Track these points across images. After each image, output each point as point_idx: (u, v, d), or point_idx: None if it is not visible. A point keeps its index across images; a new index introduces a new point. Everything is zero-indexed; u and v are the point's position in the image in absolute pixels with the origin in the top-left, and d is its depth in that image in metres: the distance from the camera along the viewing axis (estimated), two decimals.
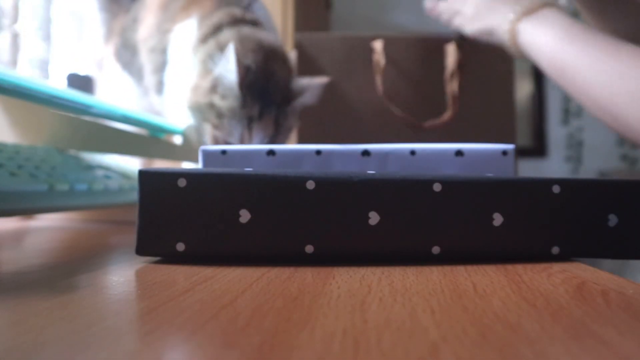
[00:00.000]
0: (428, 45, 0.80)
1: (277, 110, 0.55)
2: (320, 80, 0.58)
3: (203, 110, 0.56)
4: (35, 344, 0.14)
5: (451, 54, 0.78)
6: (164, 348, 0.14)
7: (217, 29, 0.58)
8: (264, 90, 0.55)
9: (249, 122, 0.54)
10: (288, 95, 0.57)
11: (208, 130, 0.56)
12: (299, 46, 0.80)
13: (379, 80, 0.78)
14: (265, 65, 0.56)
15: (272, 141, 0.56)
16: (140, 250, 0.27)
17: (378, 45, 0.79)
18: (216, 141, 0.57)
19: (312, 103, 0.59)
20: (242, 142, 0.55)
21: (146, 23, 0.65)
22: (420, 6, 2.17)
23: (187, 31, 0.60)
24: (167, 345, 0.14)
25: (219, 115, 0.55)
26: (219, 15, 0.58)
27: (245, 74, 0.54)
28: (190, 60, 0.58)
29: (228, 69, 0.53)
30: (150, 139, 0.58)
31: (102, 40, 0.73)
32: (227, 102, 0.54)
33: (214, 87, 0.55)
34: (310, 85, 0.57)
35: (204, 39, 0.57)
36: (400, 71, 0.80)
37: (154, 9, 0.65)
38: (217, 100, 0.55)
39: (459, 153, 0.35)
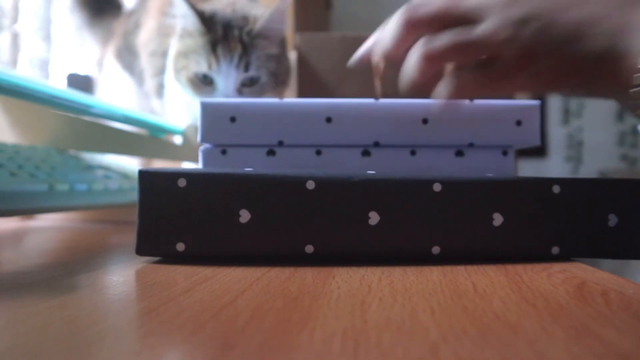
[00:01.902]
0: None
1: (240, 31, 0.56)
2: (282, 4, 0.57)
3: (173, 66, 0.57)
4: (36, 344, 0.14)
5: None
6: (164, 348, 0.14)
7: None
8: (226, 20, 0.56)
9: (213, 45, 0.55)
10: (253, 19, 0.57)
11: (184, 79, 0.57)
12: (298, 46, 0.80)
13: (377, 82, 0.78)
14: (228, 5, 0.58)
15: (245, 62, 0.56)
16: (140, 250, 0.27)
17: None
18: (194, 83, 0.57)
19: (280, 27, 0.58)
20: (209, 66, 0.55)
21: (147, 27, 0.65)
22: None
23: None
24: (167, 345, 0.14)
25: (184, 55, 0.56)
26: None
27: (202, 14, 0.55)
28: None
29: (184, 15, 0.55)
30: (150, 139, 0.58)
31: (101, 41, 0.73)
32: (188, 40, 0.56)
33: (178, 40, 0.57)
34: (276, 7, 0.57)
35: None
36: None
37: (155, 14, 0.65)
38: (179, 45, 0.56)
39: (459, 153, 0.35)
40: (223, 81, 0.56)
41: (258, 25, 0.56)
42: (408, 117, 0.34)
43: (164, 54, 0.62)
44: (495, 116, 0.34)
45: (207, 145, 0.35)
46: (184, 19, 0.55)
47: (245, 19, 0.57)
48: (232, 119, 0.34)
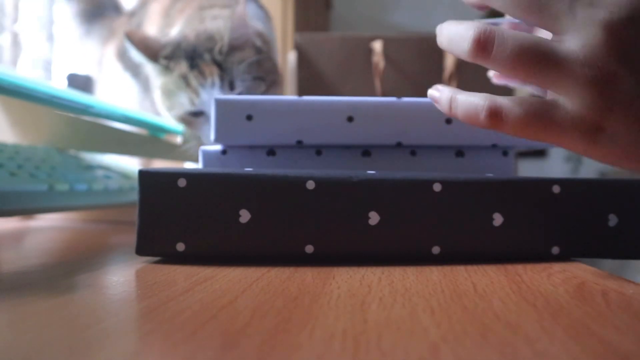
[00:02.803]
0: (428, 46, 0.80)
1: (210, 54, 0.54)
2: (239, 8, 0.56)
3: (162, 103, 0.57)
4: (35, 344, 0.14)
5: (450, 55, 0.78)
6: (164, 348, 0.14)
7: None
8: (191, 48, 0.55)
9: (185, 79, 0.54)
10: (220, 37, 0.56)
11: (177, 120, 0.57)
12: (298, 46, 0.80)
13: (377, 82, 0.78)
14: (183, 31, 0.56)
15: (228, 79, 0.55)
16: (141, 250, 0.27)
17: (377, 46, 0.79)
18: (187, 122, 0.56)
19: (246, 31, 0.57)
20: (192, 102, 0.54)
21: (149, 31, 0.65)
22: (420, 6, 2.17)
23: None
24: (167, 345, 0.14)
25: (167, 95, 0.55)
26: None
27: (159, 49, 0.55)
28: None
29: (134, 56, 0.54)
30: (150, 139, 0.58)
31: (100, 42, 0.73)
32: (162, 78, 0.55)
33: (156, 75, 0.56)
34: (235, 16, 0.56)
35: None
36: (400, 71, 0.80)
37: (156, 17, 0.65)
38: (157, 82, 0.56)
39: (459, 153, 0.35)
40: (208, 108, 0.55)
41: (226, 40, 0.54)
42: (431, 116, 0.33)
43: None
44: None
45: (207, 146, 0.35)
46: (143, 64, 0.55)
47: (211, 39, 0.55)
48: (249, 117, 0.32)
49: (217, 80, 0.54)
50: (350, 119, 0.33)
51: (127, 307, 0.19)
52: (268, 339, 0.15)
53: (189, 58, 0.54)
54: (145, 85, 0.67)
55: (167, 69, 0.54)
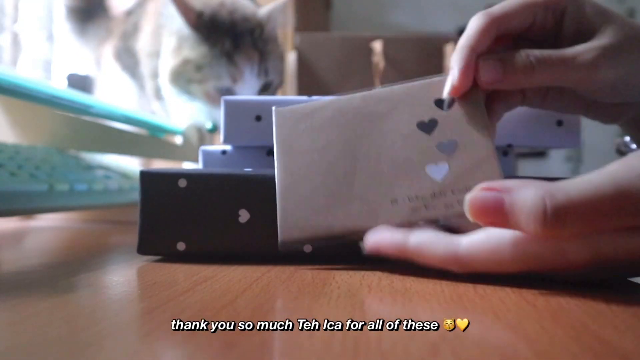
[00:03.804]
0: (428, 46, 0.80)
1: (251, 37, 0.55)
2: (279, 5, 0.57)
3: (181, 74, 0.56)
4: (35, 344, 0.14)
5: (450, 55, 0.78)
6: (164, 348, 0.14)
7: None
8: (230, 24, 0.55)
9: (229, 57, 0.54)
10: (258, 23, 0.56)
11: (197, 93, 0.56)
12: (298, 46, 0.81)
13: (377, 82, 0.78)
14: (221, 5, 0.56)
15: (264, 68, 0.55)
16: (142, 250, 0.28)
17: (377, 46, 0.79)
18: (211, 97, 0.56)
19: (280, 27, 0.58)
20: (234, 80, 0.54)
21: (145, 31, 0.65)
22: (420, 6, 2.17)
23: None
24: (167, 345, 0.14)
25: (198, 67, 0.55)
26: None
27: (197, 16, 0.54)
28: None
29: (173, 16, 0.53)
30: (150, 139, 0.58)
31: (96, 42, 0.73)
32: (197, 50, 0.54)
33: (179, 45, 0.55)
34: (276, 7, 0.57)
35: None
36: (400, 71, 0.80)
37: (152, 17, 0.65)
38: (187, 53, 0.55)
39: None
40: (245, 92, 0.55)
41: (269, 29, 0.55)
42: None
43: (158, 55, 0.62)
44: (536, 116, 0.32)
45: (207, 146, 0.35)
46: (178, 25, 0.54)
47: (247, 20, 0.55)
48: (258, 118, 0.32)
49: (255, 65, 0.54)
50: None
51: (127, 307, 0.19)
52: (268, 339, 0.15)
53: (231, 36, 0.54)
54: (142, 84, 0.67)
55: (206, 41, 0.54)
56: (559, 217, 0.18)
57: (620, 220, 0.19)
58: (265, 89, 0.57)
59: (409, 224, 0.24)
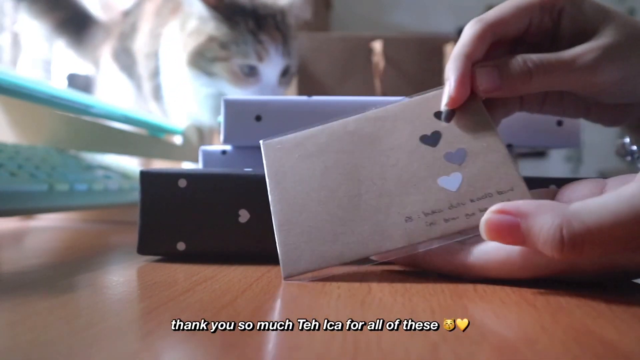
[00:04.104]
0: (428, 46, 0.80)
1: (273, 20, 0.55)
2: None
3: (205, 52, 0.56)
4: (35, 344, 0.14)
5: (450, 54, 0.78)
6: (164, 348, 0.14)
7: None
8: (251, 8, 0.55)
9: (254, 35, 0.54)
10: (279, 9, 0.57)
11: (221, 72, 0.56)
12: (298, 46, 0.81)
13: (377, 82, 0.78)
14: None
15: (287, 50, 0.56)
16: (142, 250, 0.28)
17: (377, 46, 0.79)
18: (236, 75, 0.55)
19: (301, 15, 0.58)
20: (260, 57, 0.54)
21: (143, 31, 0.65)
22: (420, 6, 2.17)
23: (173, 31, 0.60)
24: (167, 345, 0.14)
25: (223, 45, 0.55)
26: None
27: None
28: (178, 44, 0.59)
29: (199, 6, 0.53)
30: (150, 139, 0.58)
31: (96, 45, 0.73)
32: (222, 28, 0.54)
33: (201, 25, 0.55)
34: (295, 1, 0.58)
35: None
36: (400, 71, 0.80)
37: (150, 18, 0.65)
38: (211, 31, 0.55)
39: None
40: (270, 71, 0.55)
41: (289, 16, 0.56)
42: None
43: (156, 55, 0.62)
44: (536, 116, 0.32)
45: (206, 146, 0.35)
46: (198, 7, 0.54)
47: (267, 7, 0.56)
48: (258, 118, 0.32)
49: (280, 45, 0.55)
50: None
51: (127, 307, 0.19)
52: (268, 339, 0.15)
53: (253, 17, 0.54)
54: (140, 84, 0.67)
55: (229, 20, 0.54)
56: (576, 245, 0.18)
57: (637, 242, 0.19)
58: (285, 73, 0.57)
59: (428, 241, 0.23)
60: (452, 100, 0.25)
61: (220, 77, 0.56)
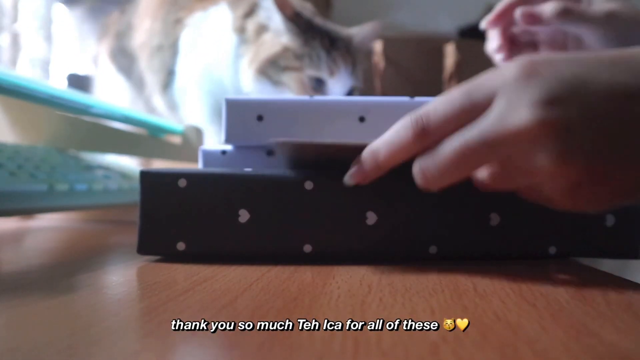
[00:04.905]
0: (428, 46, 0.80)
1: (344, 43, 0.58)
2: (372, 25, 0.61)
3: (278, 61, 0.57)
4: (36, 344, 0.14)
5: (450, 55, 0.78)
6: (164, 348, 0.14)
7: (256, 4, 0.61)
8: (324, 29, 0.58)
9: (328, 52, 0.56)
10: (348, 35, 0.60)
11: (291, 82, 0.57)
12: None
13: (377, 82, 0.78)
14: (313, 12, 0.60)
15: (356, 72, 0.58)
16: (142, 250, 0.28)
17: (377, 46, 0.79)
18: (304, 86, 0.57)
19: (368, 45, 0.61)
20: (331, 72, 0.56)
21: (142, 28, 0.65)
22: (420, 6, 2.17)
23: (221, 16, 0.61)
24: (167, 345, 0.14)
25: (298, 56, 0.56)
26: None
27: (295, 13, 0.56)
28: (231, 40, 0.60)
29: (271, 10, 0.56)
30: (150, 139, 0.58)
31: (96, 38, 0.73)
32: (297, 41, 0.56)
33: (276, 36, 0.57)
34: (364, 29, 0.61)
35: (245, 16, 0.60)
36: (400, 71, 0.80)
37: (151, 13, 0.65)
38: (287, 42, 0.56)
39: None
40: (337, 88, 0.57)
41: (357, 43, 0.59)
42: None
43: (173, 44, 0.62)
44: None
45: (206, 146, 0.35)
46: (276, 21, 0.56)
47: (338, 32, 0.59)
48: (260, 118, 0.32)
49: (350, 66, 0.57)
50: (361, 119, 0.32)
51: (127, 307, 0.19)
52: (268, 339, 0.15)
53: (327, 36, 0.57)
54: (138, 85, 0.67)
55: (304, 34, 0.56)
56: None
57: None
58: (349, 94, 0.60)
59: None
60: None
61: (287, 86, 0.58)
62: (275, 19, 0.56)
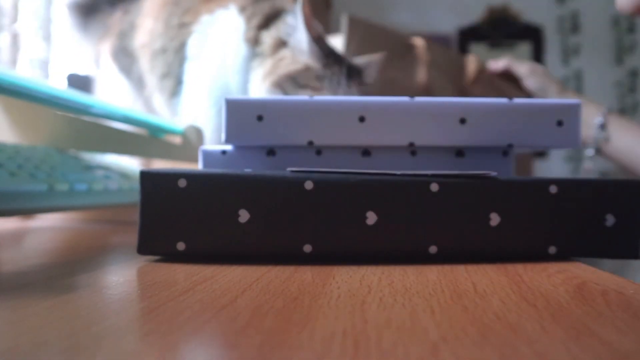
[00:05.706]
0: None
1: (358, 73, 0.58)
2: (376, 57, 0.61)
3: (297, 78, 0.57)
4: (35, 344, 0.14)
5: (471, 62, 0.80)
6: (164, 348, 0.14)
7: (273, 17, 0.60)
8: (342, 57, 0.58)
9: (347, 80, 0.57)
10: (358, 66, 0.60)
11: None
12: None
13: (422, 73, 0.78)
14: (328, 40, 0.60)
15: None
16: (142, 250, 0.28)
17: (419, 42, 0.80)
18: None
19: (372, 79, 0.61)
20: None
21: (145, 29, 0.65)
22: (420, 6, 2.17)
23: (231, 22, 0.61)
24: (167, 345, 0.14)
25: (319, 78, 0.56)
26: (266, 6, 0.61)
27: (319, 35, 0.56)
28: (241, 49, 0.59)
29: (297, 29, 0.55)
30: (150, 139, 0.58)
31: (97, 38, 0.73)
32: (319, 62, 0.56)
33: (297, 54, 0.57)
34: (370, 62, 0.61)
35: (260, 28, 0.60)
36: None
37: (154, 13, 0.65)
38: (309, 61, 0.57)
39: (459, 153, 0.35)
40: None
41: (366, 73, 0.59)
42: (445, 116, 0.32)
43: (179, 49, 0.62)
44: (536, 116, 0.32)
45: (207, 146, 0.35)
46: (300, 40, 0.56)
47: (353, 62, 0.59)
48: (259, 118, 0.32)
49: (362, 96, 0.58)
50: (361, 119, 0.32)
51: (127, 307, 0.19)
52: (268, 339, 0.15)
53: (346, 66, 0.57)
54: (138, 85, 0.67)
55: (325, 58, 0.56)
56: None
57: None
58: None
59: None
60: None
61: None
62: (300, 38, 0.56)
